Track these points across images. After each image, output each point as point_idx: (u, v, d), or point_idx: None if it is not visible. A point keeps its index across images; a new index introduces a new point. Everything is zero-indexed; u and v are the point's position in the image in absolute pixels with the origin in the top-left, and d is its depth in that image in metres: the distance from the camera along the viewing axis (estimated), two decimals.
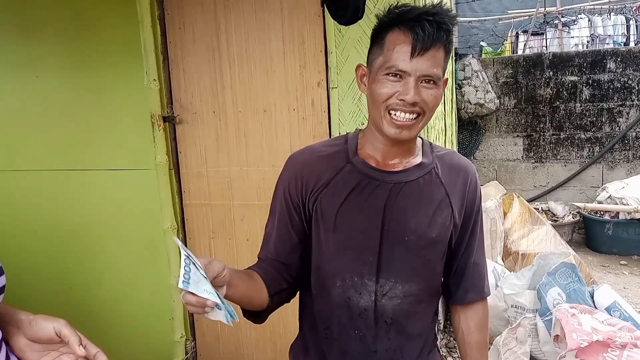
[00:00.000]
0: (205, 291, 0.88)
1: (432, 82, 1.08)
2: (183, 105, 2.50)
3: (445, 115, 3.86)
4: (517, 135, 5.56)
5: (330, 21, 2.21)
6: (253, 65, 2.37)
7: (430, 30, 1.05)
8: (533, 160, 5.56)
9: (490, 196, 3.35)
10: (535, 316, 2.43)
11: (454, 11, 1.07)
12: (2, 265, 0.91)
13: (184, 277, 0.85)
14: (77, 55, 2.45)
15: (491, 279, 2.63)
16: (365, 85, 1.17)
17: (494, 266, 2.73)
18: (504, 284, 2.63)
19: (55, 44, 2.44)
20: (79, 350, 0.84)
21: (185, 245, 2.58)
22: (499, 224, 3.14)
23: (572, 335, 2.10)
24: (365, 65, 1.17)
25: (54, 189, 2.58)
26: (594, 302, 2.49)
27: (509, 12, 6.45)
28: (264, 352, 2.63)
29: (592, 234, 4.89)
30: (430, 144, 1.28)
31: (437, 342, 1.37)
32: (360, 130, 1.25)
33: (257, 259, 1.25)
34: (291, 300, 1.29)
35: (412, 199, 1.17)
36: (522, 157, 5.59)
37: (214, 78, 2.44)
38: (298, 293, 1.31)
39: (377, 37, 1.13)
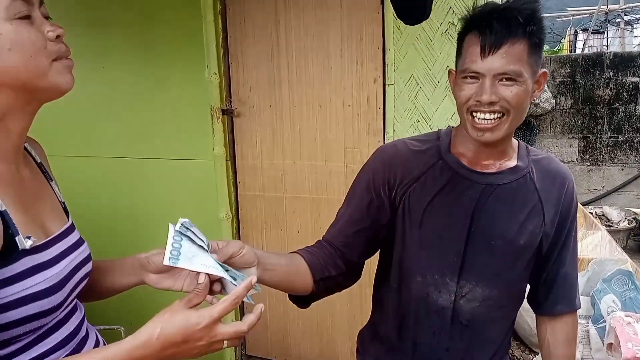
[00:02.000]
0: (203, 265, 0.84)
1: (511, 79, 1.05)
2: (241, 98, 2.57)
3: None
4: (573, 137, 5.40)
5: (389, 18, 2.22)
6: (310, 61, 2.42)
7: (499, 28, 1.03)
8: (588, 163, 5.39)
9: None
10: (588, 323, 2.37)
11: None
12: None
13: (171, 254, 0.82)
14: (141, 48, 2.55)
15: None
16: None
17: None
18: None
19: (121, 37, 2.55)
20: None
21: (239, 234, 2.66)
22: None
23: (627, 345, 2.04)
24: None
25: (117, 176, 2.70)
26: None
27: (569, 9, 6.24)
28: (310, 342, 2.69)
29: None
30: (527, 147, 1.25)
31: (510, 349, 1.34)
32: (453, 127, 1.25)
33: (319, 241, 1.25)
34: (342, 291, 1.27)
35: (503, 203, 1.16)
36: (577, 159, 5.43)
37: (271, 73, 2.49)
38: (373, 284, 1.32)
39: (459, 42, 1.14)
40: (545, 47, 7.27)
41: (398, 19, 2.18)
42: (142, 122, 2.61)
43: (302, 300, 1.21)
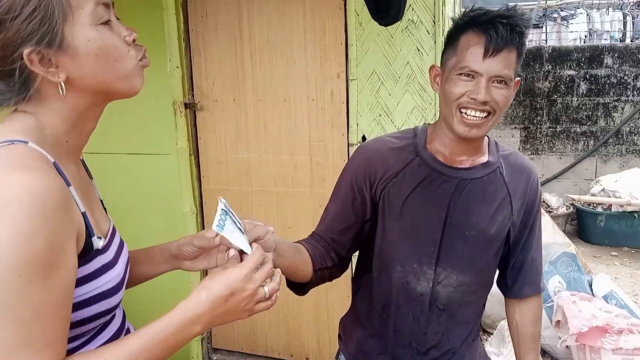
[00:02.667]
0: (239, 242, 0.91)
1: (503, 82, 1.13)
2: (204, 92, 2.57)
3: None
4: (515, 127, 5.68)
5: (351, 14, 2.29)
6: (274, 56, 2.45)
7: (504, 32, 1.10)
8: (529, 152, 5.69)
9: None
10: None
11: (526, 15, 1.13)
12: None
13: (219, 223, 0.89)
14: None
15: None
16: (438, 84, 1.23)
17: None
18: None
19: None
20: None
21: (203, 228, 2.67)
22: None
23: (574, 321, 2.23)
24: (439, 65, 1.23)
25: None
26: (592, 290, 2.63)
27: (510, 4, 6.54)
28: (277, 333, 2.74)
29: (584, 226, 5.04)
30: (496, 143, 1.33)
31: (480, 331, 1.45)
32: (429, 125, 1.33)
33: (311, 234, 1.33)
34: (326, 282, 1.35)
35: (475, 196, 1.24)
36: (519, 148, 5.71)
37: (235, 67, 2.50)
38: (353, 274, 1.42)
39: (452, 39, 1.19)
40: None
41: (359, 15, 2.27)
42: (103, 116, 2.56)
43: (299, 287, 1.27)
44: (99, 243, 0.83)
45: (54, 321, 0.71)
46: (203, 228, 2.70)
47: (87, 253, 0.80)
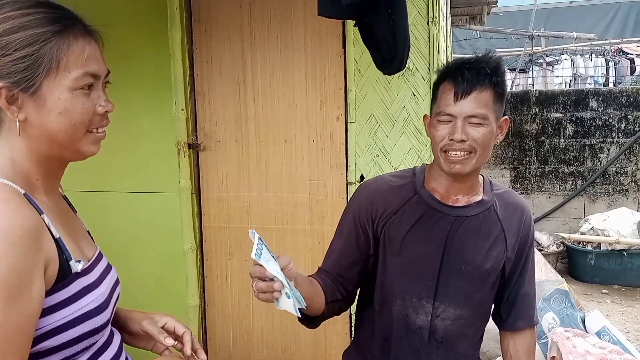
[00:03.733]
0: (275, 271, 0.96)
1: (477, 121, 1.22)
2: (207, 133, 2.66)
3: None
4: (505, 167, 5.82)
5: (350, 62, 2.42)
6: (276, 100, 2.56)
7: (469, 76, 1.21)
8: (519, 192, 5.81)
9: None
10: None
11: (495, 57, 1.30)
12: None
13: (257, 251, 0.95)
14: (110, 84, 2.59)
15: None
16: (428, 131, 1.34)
17: None
18: None
19: None
20: (187, 347, 1.01)
21: (202, 265, 2.72)
22: None
23: (569, 357, 2.27)
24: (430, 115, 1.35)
25: (81, 209, 2.68)
26: (585, 326, 2.68)
27: (498, 50, 6.81)
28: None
29: (575, 264, 5.12)
30: (491, 182, 1.41)
31: None
32: (426, 164, 1.42)
33: (318, 270, 1.40)
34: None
35: (471, 232, 1.31)
36: (509, 188, 5.83)
37: (238, 109, 2.61)
38: (356, 306, 1.47)
39: (434, 90, 1.32)
40: None
41: (358, 63, 2.40)
42: (109, 156, 2.62)
43: (311, 320, 1.33)
44: (77, 266, 0.87)
45: (11, 348, 0.73)
46: (202, 265, 2.75)
47: (65, 277, 0.84)
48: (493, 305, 1.45)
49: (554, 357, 2.44)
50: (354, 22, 1.54)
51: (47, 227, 0.83)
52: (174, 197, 2.64)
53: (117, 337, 1.00)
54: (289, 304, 1.01)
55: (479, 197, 1.35)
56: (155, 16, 2.52)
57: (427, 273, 1.31)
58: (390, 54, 1.48)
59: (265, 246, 1.01)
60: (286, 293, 1.01)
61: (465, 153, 1.23)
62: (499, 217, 1.34)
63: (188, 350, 1.01)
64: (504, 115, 1.31)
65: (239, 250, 2.71)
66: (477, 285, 1.33)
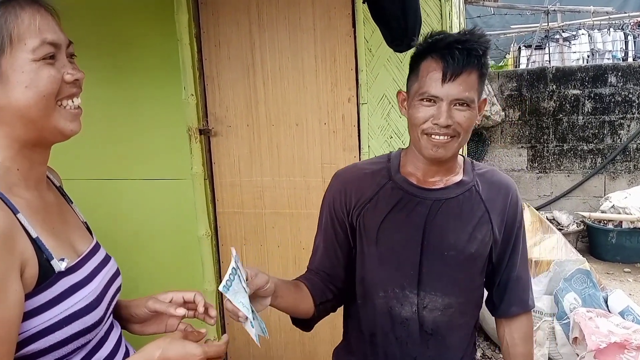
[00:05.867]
0: (241, 303, 0.96)
1: (465, 104, 1.14)
2: (218, 118, 2.63)
3: None
4: (522, 147, 5.72)
5: (361, 41, 2.35)
6: (286, 82, 2.51)
7: (460, 57, 1.12)
8: (537, 171, 5.72)
9: None
10: (553, 320, 2.56)
11: (482, 33, 1.19)
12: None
13: (226, 283, 0.94)
14: (119, 71, 2.58)
15: None
16: (405, 109, 1.24)
17: None
18: None
19: (98, 60, 2.57)
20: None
21: (218, 251, 2.71)
22: None
23: (591, 337, 2.23)
24: (405, 91, 1.25)
25: (95, 197, 2.69)
26: (607, 306, 2.63)
27: (512, 27, 6.66)
28: (292, 353, 2.75)
29: (596, 243, 5.03)
30: (472, 162, 1.33)
31: (476, 354, 1.43)
32: (403, 149, 1.33)
33: (306, 269, 1.35)
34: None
35: (451, 215, 1.23)
36: (526, 167, 5.75)
37: (248, 93, 2.57)
38: (344, 301, 1.39)
39: (414, 65, 1.21)
40: (491, 62, 7.66)
41: (368, 42, 2.34)
42: (120, 144, 2.63)
43: (304, 323, 1.29)
44: (61, 265, 0.84)
45: None
46: (218, 250, 2.74)
47: (47, 277, 0.81)
48: (486, 292, 1.38)
49: (576, 337, 2.40)
50: None
51: (23, 227, 0.80)
52: (187, 183, 2.62)
53: (115, 332, 0.98)
54: (252, 331, 1.00)
55: (458, 178, 1.27)
56: (161, 0, 2.48)
57: (407, 262, 1.23)
58: (400, 31, 1.42)
59: (239, 275, 0.99)
60: (250, 322, 0.99)
61: (449, 137, 1.16)
62: (482, 197, 1.26)
63: (201, 308, 0.99)
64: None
65: (254, 235, 2.69)
66: (463, 271, 1.25)
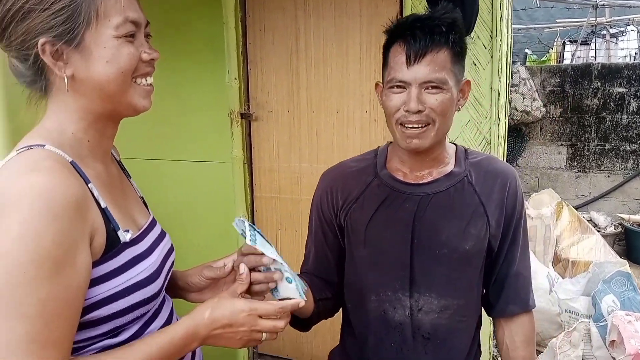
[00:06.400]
0: (272, 253, 0.93)
1: (436, 87, 1.07)
2: (259, 103, 2.65)
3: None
4: (561, 144, 5.58)
5: None
6: (329, 69, 2.51)
7: (422, 36, 1.05)
8: (576, 170, 5.58)
9: (545, 203, 3.43)
10: (589, 322, 2.51)
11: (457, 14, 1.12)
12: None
13: (251, 238, 0.91)
14: (164, 54, 2.59)
15: (545, 284, 2.72)
16: (381, 100, 1.18)
17: (548, 271, 2.82)
18: (558, 289, 2.72)
19: None
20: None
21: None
22: (553, 231, 3.22)
23: (630, 341, 2.18)
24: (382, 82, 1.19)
25: (138, 176, 2.74)
26: None
27: (557, 20, 6.47)
28: (322, 340, 2.77)
29: (633, 246, 4.89)
30: (466, 150, 1.24)
31: (480, 358, 1.33)
32: (390, 142, 1.26)
33: (301, 272, 1.29)
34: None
35: (442, 210, 1.15)
36: (565, 166, 5.61)
37: (290, 79, 2.57)
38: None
39: (384, 54, 1.16)
40: (533, 56, 7.49)
41: None
42: (163, 125, 2.67)
43: (302, 323, 1.22)
44: (126, 236, 0.86)
45: (59, 319, 0.72)
46: None
47: (113, 247, 0.83)
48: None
49: (614, 340, 2.35)
50: None
51: (94, 196, 0.82)
52: (226, 166, 2.66)
53: (168, 304, 1.00)
54: (291, 288, 0.95)
55: (448, 169, 1.19)
56: None
57: (398, 262, 1.16)
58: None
59: (258, 231, 0.97)
60: (287, 278, 0.95)
61: (423, 125, 1.08)
62: (475, 188, 1.17)
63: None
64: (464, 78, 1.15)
65: (289, 220, 2.71)
66: (459, 270, 1.16)
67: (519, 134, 5.58)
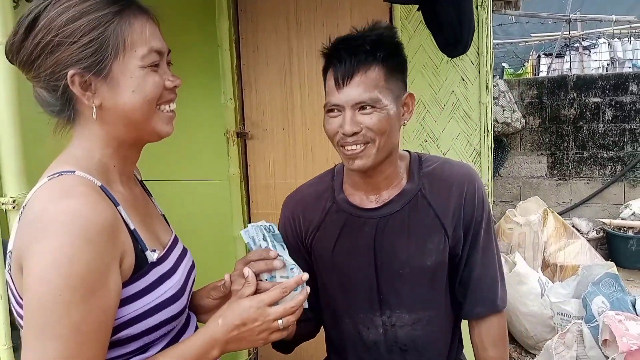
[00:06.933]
0: (281, 248, 0.97)
1: (369, 107, 1.05)
2: (254, 122, 2.71)
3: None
4: (541, 154, 5.74)
5: None
6: (322, 86, 2.58)
7: (347, 57, 1.04)
8: (557, 178, 5.74)
9: (532, 211, 3.54)
10: (581, 323, 2.60)
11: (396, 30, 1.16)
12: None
13: (263, 242, 0.95)
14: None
15: (537, 288, 2.81)
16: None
17: (538, 276, 2.91)
18: (550, 293, 2.81)
19: None
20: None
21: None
22: (541, 237, 3.32)
23: (622, 339, 2.26)
24: None
25: None
26: (635, 310, 2.66)
27: (532, 35, 6.70)
28: (323, 350, 2.80)
29: (615, 250, 5.04)
30: (420, 159, 1.21)
31: (462, 350, 1.34)
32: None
33: None
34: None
35: (399, 231, 1.15)
36: (545, 174, 5.77)
37: (284, 97, 2.65)
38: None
39: (323, 77, 1.15)
40: (510, 70, 7.71)
41: (405, 49, 2.41)
42: (161, 145, 2.69)
43: (284, 345, 1.23)
44: (153, 256, 0.88)
45: (91, 340, 0.74)
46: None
47: (141, 267, 0.85)
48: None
49: (606, 339, 2.43)
50: (416, 6, 1.55)
51: (123, 218, 0.84)
52: (223, 184, 2.70)
53: (193, 320, 1.03)
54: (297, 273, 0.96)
55: (399, 189, 1.18)
56: (203, 7, 2.57)
57: (365, 286, 1.17)
58: (455, 38, 1.48)
59: (275, 235, 1.00)
60: (290, 267, 0.97)
61: (361, 145, 1.07)
62: (430, 202, 1.16)
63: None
64: (406, 90, 1.14)
65: None
66: (424, 285, 1.17)
67: (500, 144, 5.73)
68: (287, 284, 0.94)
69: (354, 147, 1.07)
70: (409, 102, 1.12)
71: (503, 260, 2.99)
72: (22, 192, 1.29)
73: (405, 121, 1.13)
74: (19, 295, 0.81)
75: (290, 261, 0.98)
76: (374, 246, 1.15)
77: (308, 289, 0.96)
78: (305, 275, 0.95)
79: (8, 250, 0.84)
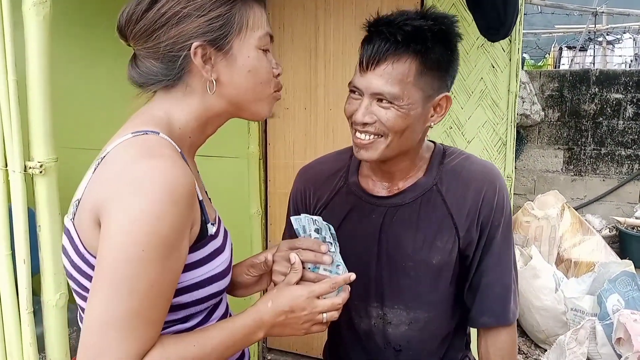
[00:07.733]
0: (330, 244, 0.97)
1: (386, 101, 0.96)
2: None
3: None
4: (558, 148, 5.68)
5: None
6: (348, 67, 2.55)
7: (379, 43, 0.94)
8: (572, 173, 5.68)
9: (551, 204, 3.50)
10: (595, 320, 2.58)
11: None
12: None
13: (323, 234, 0.94)
14: None
15: (552, 283, 2.79)
16: None
17: (554, 271, 2.89)
18: (565, 288, 2.79)
19: None
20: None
21: (267, 230, 2.77)
22: (558, 232, 3.29)
23: (638, 339, 2.25)
24: None
25: None
26: None
27: (556, 26, 6.57)
28: None
29: (628, 249, 4.99)
30: (445, 151, 1.14)
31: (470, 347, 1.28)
32: None
33: None
34: None
35: (407, 223, 1.09)
36: (561, 169, 5.72)
37: (308, 76, 2.61)
38: None
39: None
40: (530, 61, 7.59)
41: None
42: None
43: None
44: (212, 229, 0.89)
45: (161, 300, 0.76)
46: (266, 229, 2.80)
47: (202, 238, 0.86)
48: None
49: (620, 338, 2.42)
50: None
51: (196, 187, 0.84)
52: (242, 162, 2.69)
53: (224, 298, 1.03)
54: (342, 270, 0.97)
55: (417, 179, 1.11)
56: None
57: (365, 274, 1.10)
58: (498, 21, 1.43)
59: (332, 235, 0.98)
60: (337, 264, 0.96)
61: (371, 136, 0.99)
62: (445, 198, 1.09)
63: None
64: (449, 89, 1.03)
65: None
66: (428, 283, 1.11)
67: (517, 136, 5.67)
68: (337, 280, 0.94)
69: (363, 136, 1.00)
70: (443, 105, 1.03)
71: (518, 253, 2.97)
72: (49, 157, 1.28)
73: (433, 123, 1.03)
74: (84, 246, 0.81)
75: (338, 258, 0.98)
76: (379, 235, 1.11)
77: (349, 288, 0.96)
78: (353, 275, 0.94)
79: (75, 199, 0.83)
